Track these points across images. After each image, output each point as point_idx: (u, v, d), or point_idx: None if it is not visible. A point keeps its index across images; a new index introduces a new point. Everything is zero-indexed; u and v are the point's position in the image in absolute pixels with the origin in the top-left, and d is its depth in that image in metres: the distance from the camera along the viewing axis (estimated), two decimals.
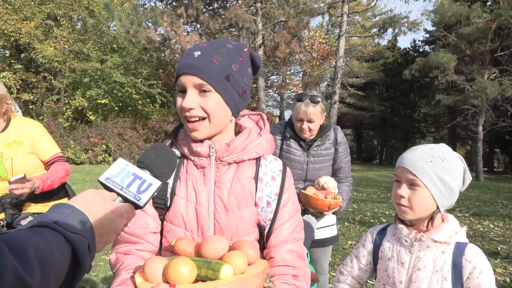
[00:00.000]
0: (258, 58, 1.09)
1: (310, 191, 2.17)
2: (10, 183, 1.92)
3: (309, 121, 2.22)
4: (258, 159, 1.09)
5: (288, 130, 2.38)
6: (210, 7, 17.81)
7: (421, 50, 31.62)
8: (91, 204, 0.65)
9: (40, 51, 16.80)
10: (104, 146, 17.20)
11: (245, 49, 1.04)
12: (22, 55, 17.84)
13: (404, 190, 1.20)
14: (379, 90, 33.19)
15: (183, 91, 0.97)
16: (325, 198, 2.11)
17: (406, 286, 1.22)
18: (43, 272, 0.50)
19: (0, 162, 2.06)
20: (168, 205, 1.02)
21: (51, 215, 0.59)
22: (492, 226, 6.42)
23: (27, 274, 0.47)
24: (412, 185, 1.18)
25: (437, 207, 1.18)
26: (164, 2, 18.80)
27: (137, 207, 0.75)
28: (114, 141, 17.29)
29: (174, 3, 17.52)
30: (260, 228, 1.06)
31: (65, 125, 17.61)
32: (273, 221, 1.05)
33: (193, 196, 1.01)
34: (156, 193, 0.78)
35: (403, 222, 1.28)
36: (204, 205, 1.00)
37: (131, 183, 0.75)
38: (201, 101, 0.95)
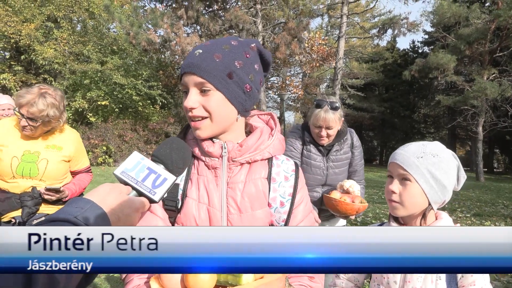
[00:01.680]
0: (267, 54, 1.06)
1: (336, 195, 2.14)
2: (46, 189, 2.04)
3: (328, 127, 2.20)
4: (270, 159, 1.07)
5: (306, 135, 2.35)
6: (210, 9, 17.83)
7: (420, 51, 31.61)
8: (108, 199, 0.65)
9: (40, 52, 16.69)
10: (104, 148, 17.11)
11: (253, 45, 1.01)
12: (22, 56, 17.76)
13: (395, 186, 1.19)
14: (378, 91, 33.16)
15: (186, 91, 0.97)
16: (353, 202, 2.10)
17: (400, 286, 1.20)
18: None
19: (35, 161, 2.08)
20: (179, 207, 1.00)
21: (70, 209, 0.59)
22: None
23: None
24: (403, 180, 1.17)
25: (429, 204, 1.17)
26: (164, 4, 18.82)
27: (152, 201, 0.74)
28: (114, 142, 17.20)
29: (174, 5, 17.54)
30: None
31: None
32: (286, 222, 1.03)
33: (205, 198, 0.99)
34: (170, 188, 0.77)
35: (396, 220, 1.27)
36: (216, 207, 0.98)
37: (146, 177, 0.74)
38: (203, 100, 0.94)
